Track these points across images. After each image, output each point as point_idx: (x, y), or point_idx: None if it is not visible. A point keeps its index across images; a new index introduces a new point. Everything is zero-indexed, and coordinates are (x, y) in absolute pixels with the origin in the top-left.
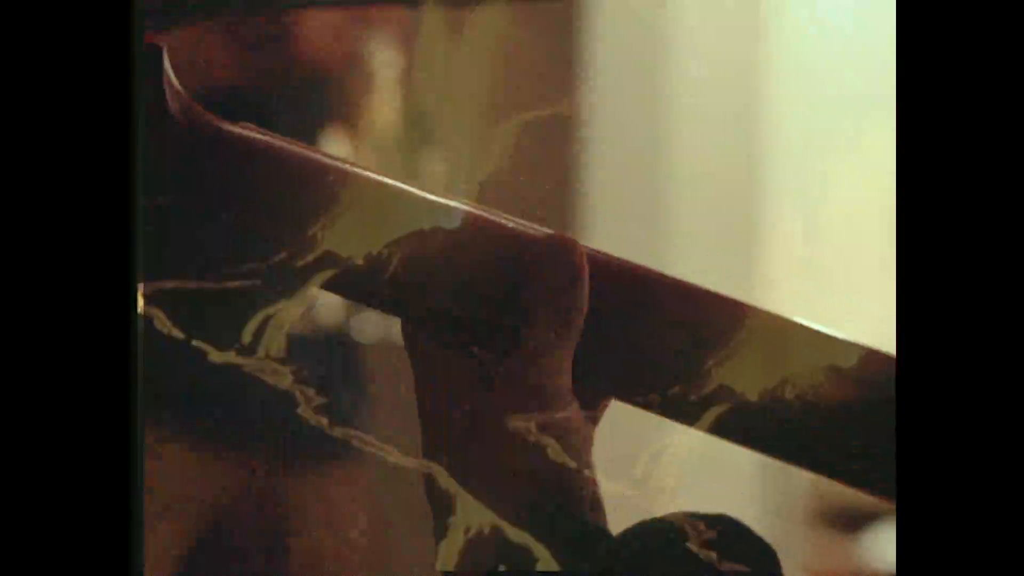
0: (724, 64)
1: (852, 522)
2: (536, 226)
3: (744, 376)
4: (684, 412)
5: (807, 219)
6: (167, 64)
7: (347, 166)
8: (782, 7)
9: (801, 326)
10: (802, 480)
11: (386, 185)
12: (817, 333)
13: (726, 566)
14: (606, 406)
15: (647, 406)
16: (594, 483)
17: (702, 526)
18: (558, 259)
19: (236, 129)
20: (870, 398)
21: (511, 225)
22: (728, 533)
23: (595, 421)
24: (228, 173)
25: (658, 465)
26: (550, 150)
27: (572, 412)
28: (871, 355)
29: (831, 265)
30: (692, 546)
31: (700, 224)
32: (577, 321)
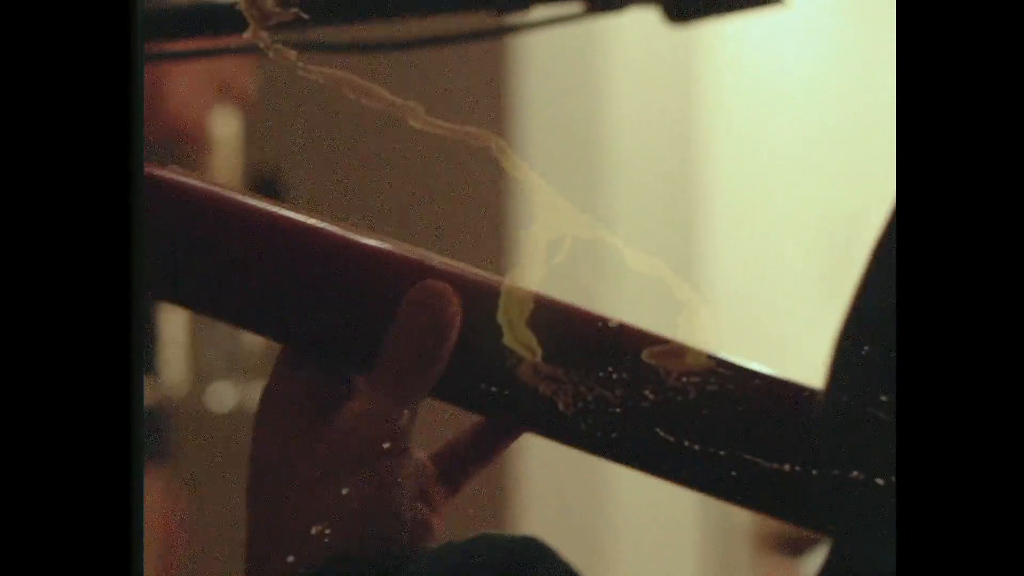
0: (658, 108)
1: (796, 546)
2: (450, 262)
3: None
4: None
5: (744, 260)
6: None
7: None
8: (712, 56)
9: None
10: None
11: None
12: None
13: None
14: None
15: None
16: (421, 507)
17: (508, 546)
18: (429, 307)
19: (198, 184)
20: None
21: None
22: (533, 556)
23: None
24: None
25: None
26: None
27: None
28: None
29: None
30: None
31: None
32: (431, 373)
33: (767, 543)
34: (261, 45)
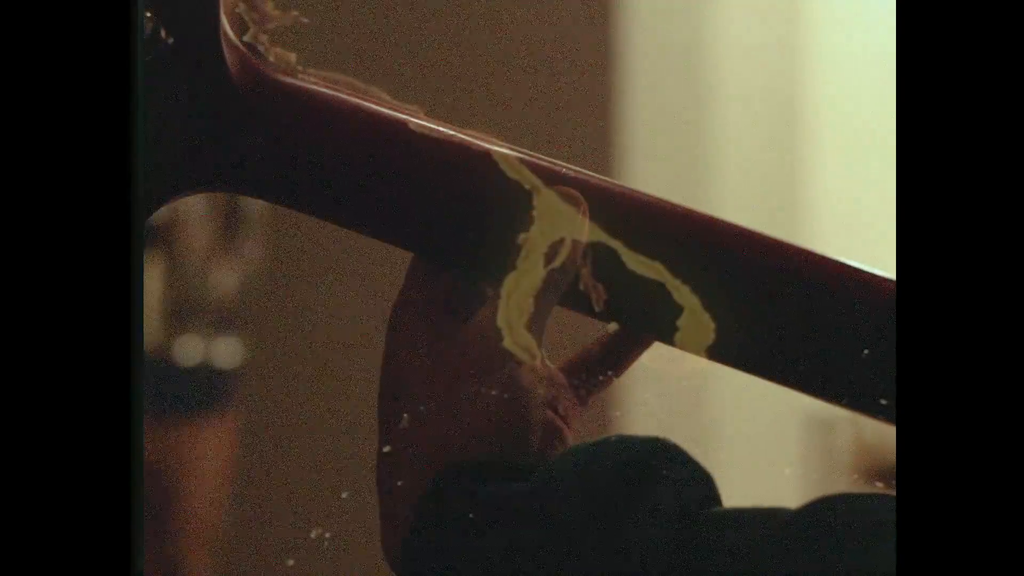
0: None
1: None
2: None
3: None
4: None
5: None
6: (223, 17)
7: (409, 115)
8: None
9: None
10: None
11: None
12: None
13: (660, 487)
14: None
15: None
16: (551, 413)
17: (636, 446)
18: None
19: (297, 83)
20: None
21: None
22: (661, 455)
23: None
24: (290, 126)
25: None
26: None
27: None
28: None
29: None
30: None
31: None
32: (563, 279)
33: (867, 473)
34: (261, 48)
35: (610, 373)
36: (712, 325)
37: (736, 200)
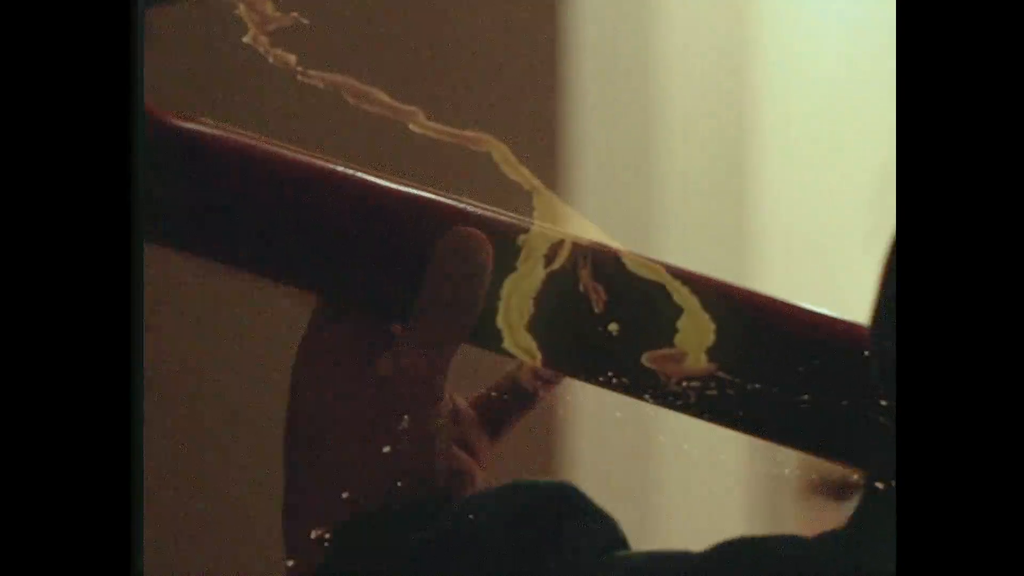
0: (712, 53)
1: (841, 491)
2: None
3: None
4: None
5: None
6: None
7: (316, 160)
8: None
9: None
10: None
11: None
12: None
13: (564, 533)
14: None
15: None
16: (460, 452)
17: (539, 492)
18: (461, 253)
19: (192, 126)
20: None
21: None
22: (565, 502)
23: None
24: (191, 173)
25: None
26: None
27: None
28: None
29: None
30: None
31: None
32: (467, 318)
33: (813, 489)
34: (261, 50)
35: (522, 408)
36: (712, 326)
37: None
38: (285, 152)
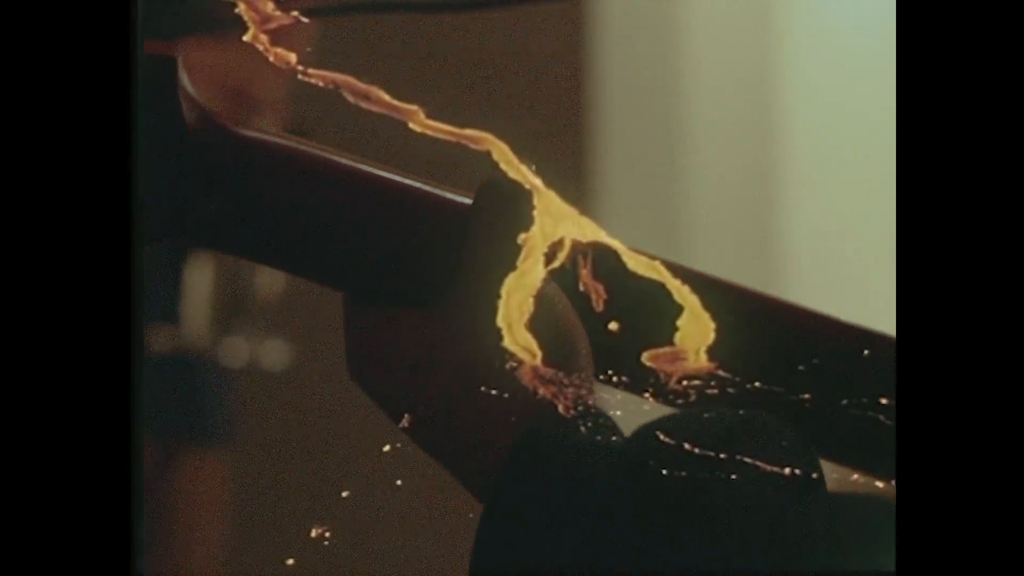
0: (735, 65)
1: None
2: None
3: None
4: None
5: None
6: (183, 74)
7: (365, 166)
8: (791, 10)
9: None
10: None
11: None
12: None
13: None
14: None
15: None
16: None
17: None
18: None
19: (253, 134)
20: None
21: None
22: (761, 429)
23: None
24: (248, 178)
25: None
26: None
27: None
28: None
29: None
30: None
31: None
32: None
33: None
34: (261, 48)
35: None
36: (712, 325)
37: (712, 229)
38: (338, 159)
